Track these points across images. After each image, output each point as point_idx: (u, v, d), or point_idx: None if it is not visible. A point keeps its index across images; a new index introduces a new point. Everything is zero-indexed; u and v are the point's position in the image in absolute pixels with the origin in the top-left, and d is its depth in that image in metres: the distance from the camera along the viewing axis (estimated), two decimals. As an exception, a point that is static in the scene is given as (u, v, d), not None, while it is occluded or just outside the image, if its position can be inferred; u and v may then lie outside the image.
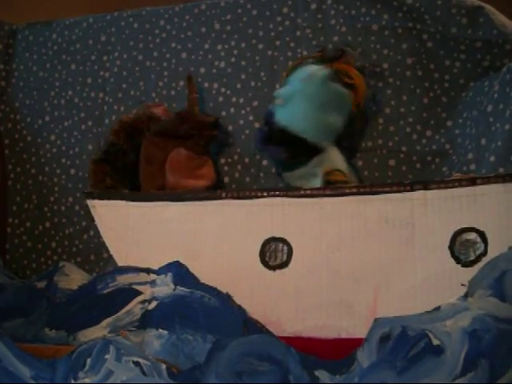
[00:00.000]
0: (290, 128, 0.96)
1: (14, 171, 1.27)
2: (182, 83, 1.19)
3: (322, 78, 0.99)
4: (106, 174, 1.07)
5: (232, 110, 1.16)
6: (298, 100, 0.97)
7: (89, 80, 1.26)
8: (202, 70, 1.19)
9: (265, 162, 1.13)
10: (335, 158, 0.98)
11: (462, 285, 0.70)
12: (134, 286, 0.86)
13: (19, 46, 1.32)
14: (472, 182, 0.81)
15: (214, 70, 1.18)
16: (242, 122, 1.15)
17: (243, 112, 1.15)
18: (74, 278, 1.00)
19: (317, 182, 0.94)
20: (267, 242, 0.85)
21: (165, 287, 0.82)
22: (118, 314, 0.85)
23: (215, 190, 0.93)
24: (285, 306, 0.82)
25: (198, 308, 0.80)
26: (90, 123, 1.24)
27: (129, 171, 1.08)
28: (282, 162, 1.01)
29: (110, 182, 1.05)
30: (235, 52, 1.17)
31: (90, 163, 1.11)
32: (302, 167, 0.98)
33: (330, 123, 0.98)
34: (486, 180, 0.80)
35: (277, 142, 0.98)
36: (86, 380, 0.71)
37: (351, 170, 1.00)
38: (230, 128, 1.16)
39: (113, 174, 1.07)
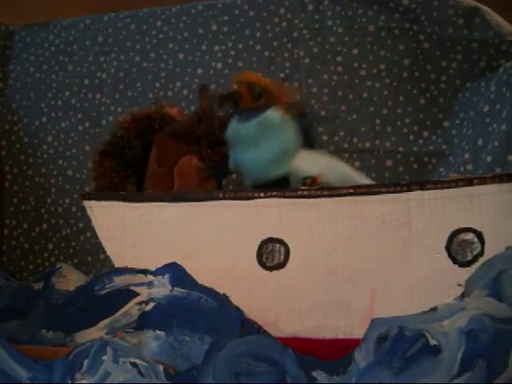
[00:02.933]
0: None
1: (11, 173, 1.27)
2: (178, 84, 1.19)
3: (243, 127, 0.95)
4: (112, 169, 1.05)
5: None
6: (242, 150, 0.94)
7: (86, 81, 1.26)
8: (200, 70, 1.19)
9: (262, 163, 1.13)
10: (302, 168, 0.95)
11: (459, 285, 0.70)
12: (131, 287, 0.85)
13: (16, 47, 1.32)
14: (469, 182, 0.81)
15: (211, 71, 1.18)
16: (239, 122, 1.15)
17: (240, 113, 1.15)
18: (70, 279, 1.00)
19: None
20: (264, 243, 0.85)
21: (162, 288, 0.82)
22: (115, 315, 0.84)
23: (212, 191, 0.93)
24: (282, 306, 0.82)
25: (195, 309, 0.80)
26: (87, 124, 1.25)
27: (132, 167, 1.05)
28: None
29: (117, 178, 1.03)
30: (232, 53, 1.17)
31: (96, 154, 1.08)
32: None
33: (275, 149, 0.94)
34: (483, 180, 0.80)
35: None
36: (83, 381, 0.71)
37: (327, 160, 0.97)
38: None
39: (119, 169, 1.05)
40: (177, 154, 1.05)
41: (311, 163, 0.93)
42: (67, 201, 1.22)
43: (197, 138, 1.04)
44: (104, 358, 0.71)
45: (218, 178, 1.06)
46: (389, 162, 1.06)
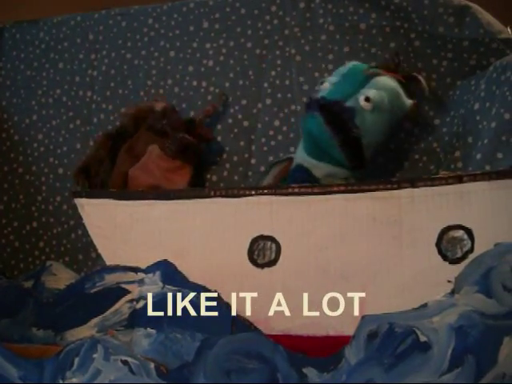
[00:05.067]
0: (363, 137, 0.93)
1: (1, 170, 1.26)
2: (170, 82, 1.19)
3: (405, 110, 0.97)
4: (112, 149, 1.08)
5: (220, 108, 1.16)
6: (382, 113, 0.94)
7: (77, 79, 1.25)
8: (191, 68, 1.19)
9: (253, 161, 1.13)
10: None
11: (449, 281, 0.71)
12: (122, 285, 0.85)
13: (6, 44, 1.31)
14: (459, 179, 0.81)
15: (203, 69, 1.18)
16: (230, 120, 1.15)
17: (232, 111, 1.15)
18: (61, 277, 1.00)
19: None
20: (255, 241, 0.85)
21: (153, 286, 0.82)
22: (106, 313, 0.84)
23: (203, 188, 0.93)
24: (273, 304, 0.82)
25: (186, 306, 0.80)
26: (78, 122, 1.24)
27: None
28: (318, 144, 0.96)
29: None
30: (223, 51, 1.17)
31: (102, 136, 1.11)
32: (330, 166, 0.96)
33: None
34: (473, 177, 0.81)
35: (337, 131, 0.92)
36: (74, 380, 0.71)
37: None
38: (219, 127, 1.16)
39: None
40: (146, 145, 1.07)
41: None
42: (58, 199, 1.21)
43: (161, 132, 1.06)
44: (95, 356, 0.71)
45: (194, 170, 1.06)
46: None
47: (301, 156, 0.99)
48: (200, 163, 1.10)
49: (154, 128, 1.07)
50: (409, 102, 0.98)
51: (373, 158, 0.98)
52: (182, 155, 1.06)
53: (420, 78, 1.00)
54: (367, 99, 0.92)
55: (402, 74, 1.00)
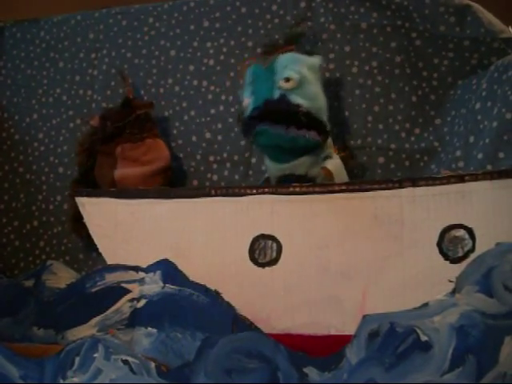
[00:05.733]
0: (311, 108, 0.92)
1: (2, 170, 1.26)
2: (170, 81, 1.19)
3: (317, 66, 0.98)
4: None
5: (221, 107, 1.16)
6: (308, 84, 0.94)
7: (77, 78, 1.25)
8: (191, 67, 1.19)
9: (254, 160, 1.13)
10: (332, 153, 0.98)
11: (450, 281, 0.71)
12: (123, 285, 0.85)
13: (6, 43, 1.31)
14: (460, 178, 0.81)
15: (203, 68, 1.18)
16: (231, 119, 1.15)
17: (232, 110, 1.15)
18: (61, 276, 1.00)
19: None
20: (256, 240, 0.85)
21: (154, 285, 0.82)
22: (107, 312, 0.84)
23: (204, 187, 0.93)
24: (274, 303, 0.82)
25: (186, 306, 0.80)
26: (78, 121, 1.24)
27: None
28: (276, 149, 0.96)
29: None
30: (224, 50, 1.17)
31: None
32: (305, 158, 0.95)
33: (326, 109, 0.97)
34: (474, 177, 0.81)
35: (288, 122, 0.92)
36: (75, 379, 0.70)
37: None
38: (220, 126, 1.16)
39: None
40: (111, 156, 1.11)
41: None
42: (58, 198, 1.21)
43: (114, 135, 1.10)
44: (95, 355, 0.71)
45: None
46: (381, 159, 1.07)
47: (276, 169, 0.98)
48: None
49: (106, 135, 1.09)
50: (313, 57, 0.98)
51: (330, 120, 0.97)
52: (147, 131, 1.09)
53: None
54: (286, 80, 0.92)
55: (289, 42, 1.01)
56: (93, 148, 1.12)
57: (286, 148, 0.94)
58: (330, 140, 0.99)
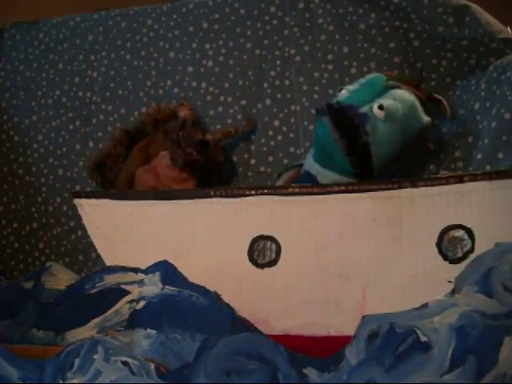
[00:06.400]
0: (374, 144, 0.91)
1: (1, 171, 1.26)
2: (169, 82, 1.19)
3: (417, 126, 0.96)
4: (129, 147, 1.11)
5: (220, 108, 1.16)
6: (394, 124, 0.92)
7: (76, 79, 1.25)
8: (190, 69, 1.19)
9: (253, 161, 1.13)
10: None
11: (449, 281, 0.71)
12: (122, 286, 0.85)
13: (6, 45, 1.31)
14: (459, 179, 0.81)
15: (202, 69, 1.18)
16: (230, 120, 1.15)
17: (231, 111, 1.15)
18: (61, 278, 1.00)
19: None
20: (255, 241, 0.85)
21: (153, 287, 0.82)
22: (106, 314, 0.84)
23: (203, 188, 0.93)
24: (273, 304, 0.82)
25: (186, 307, 0.80)
26: (77, 123, 1.24)
27: None
28: (324, 150, 0.94)
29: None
30: (223, 51, 1.17)
31: (120, 132, 1.14)
32: (335, 174, 0.94)
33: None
34: (473, 177, 0.81)
35: (344, 135, 0.91)
36: (75, 380, 0.70)
37: None
38: (219, 127, 1.16)
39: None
40: (159, 147, 1.08)
41: None
42: (58, 199, 1.21)
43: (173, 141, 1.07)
44: (95, 356, 0.71)
45: (199, 184, 1.06)
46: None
47: (309, 162, 0.99)
48: (205, 178, 1.10)
49: (170, 136, 1.09)
50: (426, 118, 0.96)
51: (381, 171, 0.95)
52: (189, 169, 1.07)
53: (443, 100, 0.99)
54: (381, 107, 0.91)
55: (424, 93, 0.99)
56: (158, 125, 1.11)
57: (326, 151, 0.93)
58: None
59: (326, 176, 0.95)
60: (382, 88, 0.95)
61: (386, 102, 0.92)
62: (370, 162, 0.92)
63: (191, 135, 1.08)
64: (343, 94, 0.95)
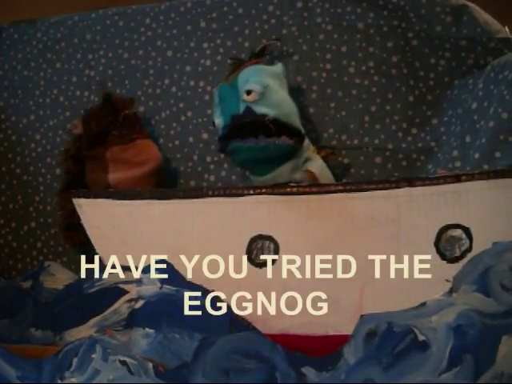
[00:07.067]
0: (277, 115, 0.92)
1: (-1, 171, 1.26)
2: (167, 81, 1.19)
3: (280, 73, 1.00)
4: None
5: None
6: (272, 93, 0.94)
7: (74, 79, 1.25)
8: (188, 68, 1.18)
9: (251, 161, 1.13)
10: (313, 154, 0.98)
11: (447, 280, 0.71)
12: (121, 285, 0.85)
13: (3, 44, 1.30)
14: (457, 178, 0.81)
15: (200, 68, 1.18)
16: (228, 120, 1.14)
17: (230, 110, 1.15)
18: (59, 277, 1.00)
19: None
20: (254, 240, 0.85)
21: (151, 286, 0.82)
22: (105, 313, 0.84)
23: (202, 188, 0.93)
24: (271, 303, 0.83)
25: (184, 306, 0.80)
26: (75, 122, 1.24)
27: None
28: (253, 163, 0.96)
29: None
30: (221, 50, 1.17)
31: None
32: (278, 167, 0.95)
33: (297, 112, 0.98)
34: (471, 177, 0.81)
35: (257, 133, 0.92)
36: (73, 380, 0.70)
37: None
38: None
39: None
40: (103, 161, 1.11)
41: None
42: (56, 199, 1.21)
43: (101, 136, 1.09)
44: (93, 356, 0.71)
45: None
46: (377, 159, 1.07)
47: (258, 182, 0.97)
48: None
49: (91, 137, 1.09)
50: (277, 65, 1.01)
51: (304, 125, 0.98)
52: (137, 132, 1.08)
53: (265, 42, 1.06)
54: (248, 92, 0.93)
55: (251, 57, 1.04)
56: (79, 153, 1.10)
57: (262, 159, 0.94)
58: (307, 142, 0.98)
59: (282, 174, 0.95)
60: (232, 86, 0.98)
61: (246, 86, 0.94)
62: (290, 126, 0.94)
63: (93, 112, 1.11)
64: (218, 122, 0.99)
